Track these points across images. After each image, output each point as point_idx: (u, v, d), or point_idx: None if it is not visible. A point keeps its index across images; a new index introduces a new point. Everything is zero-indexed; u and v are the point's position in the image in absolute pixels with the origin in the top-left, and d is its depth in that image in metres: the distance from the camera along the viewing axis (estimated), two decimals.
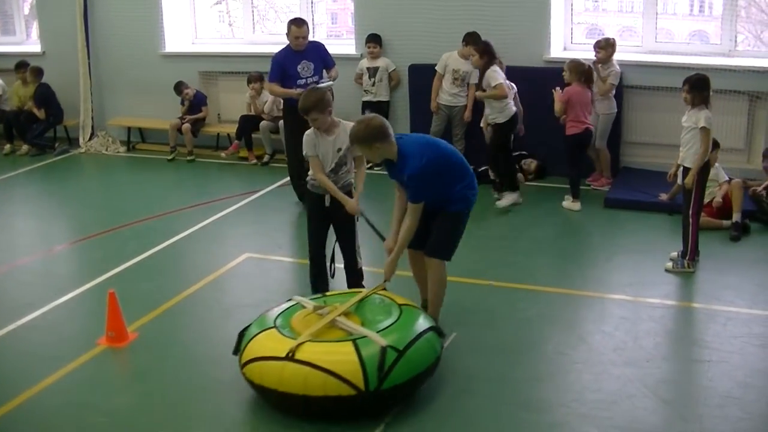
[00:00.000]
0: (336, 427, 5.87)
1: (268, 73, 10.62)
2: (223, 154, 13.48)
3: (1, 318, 7.80)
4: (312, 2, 13.60)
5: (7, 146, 14.46)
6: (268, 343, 6.06)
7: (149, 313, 7.80)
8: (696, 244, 8.28)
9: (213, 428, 6.02)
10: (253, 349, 6.10)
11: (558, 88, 10.28)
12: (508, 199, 10.48)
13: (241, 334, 6.44)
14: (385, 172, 6.86)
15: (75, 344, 7.26)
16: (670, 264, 8.35)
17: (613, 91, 10.74)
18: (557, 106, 10.20)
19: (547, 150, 11.24)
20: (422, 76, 12.00)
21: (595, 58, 10.76)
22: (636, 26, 12.02)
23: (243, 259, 9.08)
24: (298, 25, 10.45)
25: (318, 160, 7.27)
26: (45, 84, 14.49)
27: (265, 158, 13.00)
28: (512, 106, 10.34)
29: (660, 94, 11.07)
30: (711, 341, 6.94)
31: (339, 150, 7.26)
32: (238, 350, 6.37)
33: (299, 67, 10.42)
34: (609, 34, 11.39)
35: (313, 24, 13.43)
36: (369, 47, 12.32)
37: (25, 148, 14.37)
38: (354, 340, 5.89)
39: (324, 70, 10.61)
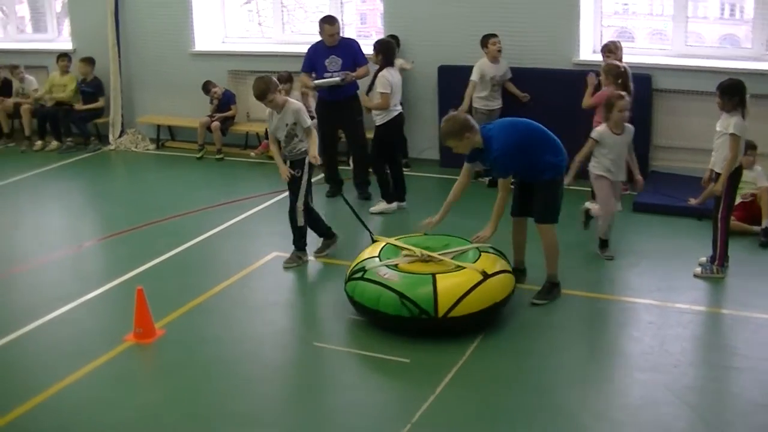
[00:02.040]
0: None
1: None
2: (252, 153, 13.52)
3: (30, 313, 7.87)
4: (341, 2, 13.61)
5: (39, 142, 14.55)
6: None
7: (177, 310, 7.84)
8: (725, 249, 8.23)
9: (239, 426, 6.04)
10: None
11: (592, 73, 10.23)
12: (380, 206, 10.64)
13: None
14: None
15: (102, 340, 7.31)
16: (699, 269, 8.31)
17: None
18: (586, 100, 10.16)
19: (576, 153, 11.17)
20: (451, 78, 11.99)
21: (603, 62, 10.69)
22: (666, 30, 11.96)
23: (271, 257, 9.10)
24: (330, 23, 10.76)
25: (273, 136, 8.95)
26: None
27: None
28: (397, 109, 10.46)
29: (690, 98, 11.01)
30: (740, 348, 6.91)
31: (286, 125, 8.65)
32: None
33: (327, 61, 10.74)
34: (639, 38, 11.33)
35: (342, 24, 13.41)
36: None
37: (55, 144, 14.48)
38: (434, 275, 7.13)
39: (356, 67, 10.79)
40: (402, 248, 7.76)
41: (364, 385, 6.66)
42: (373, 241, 8.12)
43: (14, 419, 6.10)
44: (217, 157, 13.43)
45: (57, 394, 6.43)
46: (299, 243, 8.95)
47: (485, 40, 11.28)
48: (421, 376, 6.58)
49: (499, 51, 11.26)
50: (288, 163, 8.80)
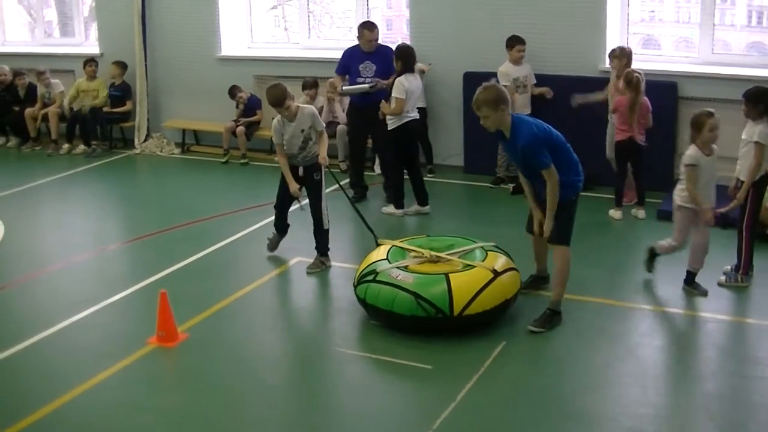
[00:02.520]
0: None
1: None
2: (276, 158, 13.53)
3: (54, 315, 7.92)
4: (368, 8, 13.64)
5: (66, 146, 14.64)
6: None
7: (200, 313, 7.87)
8: (750, 258, 8.19)
9: (261, 431, 6.06)
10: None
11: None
12: (389, 209, 10.75)
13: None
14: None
15: (126, 343, 7.34)
16: (723, 278, 8.27)
17: None
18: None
19: (597, 160, 11.15)
20: (477, 84, 11.88)
21: (609, 68, 10.68)
22: (692, 37, 11.92)
23: (295, 262, 9.12)
24: (369, 29, 10.98)
25: (281, 147, 8.80)
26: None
27: None
28: (409, 116, 10.43)
29: (716, 105, 10.83)
30: (764, 357, 6.86)
31: (302, 131, 8.63)
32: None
33: (361, 66, 10.92)
34: (665, 45, 11.28)
35: None
36: None
37: (81, 147, 14.56)
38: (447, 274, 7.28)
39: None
40: (409, 250, 7.87)
41: (386, 391, 6.66)
42: (378, 245, 8.23)
43: (37, 420, 6.13)
44: (242, 161, 13.47)
45: (80, 396, 6.46)
46: (323, 248, 8.99)
47: (512, 43, 11.33)
48: (442, 383, 6.58)
49: (521, 58, 11.32)
50: (301, 170, 8.83)
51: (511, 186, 11.28)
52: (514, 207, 10.67)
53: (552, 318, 7.45)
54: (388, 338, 7.31)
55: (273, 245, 9.34)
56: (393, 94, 10.28)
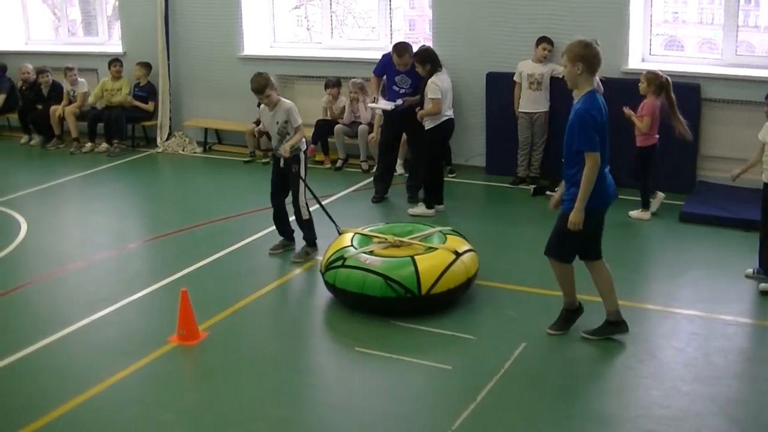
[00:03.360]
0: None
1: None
2: None
3: (75, 312, 7.96)
4: (390, 9, 13.63)
5: (88, 144, 14.71)
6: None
7: (221, 312, 7.89)
8: None
9: (278, 431, 6.07)
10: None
11: (626, 108, 10.13)
12: (418, 209, 10.69)
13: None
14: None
15: (146, 341, 7.37)
16: (750, 270, 8.24)
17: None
18: (644, 122, 10.02)
19: (620, 162, 11.08)
20: (499, 85, 11.99)
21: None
22: (716, 39, 11.87)
23: (314, 263, 9.12)
24: (399, 54, 10.90)
25: (263, 129, 9.55)
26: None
27: (339, 163, 13.08)
28: (447, 114, 10.45)
29: (739, 107, 10.90)
30: None
31: (277, 122, 9.05)
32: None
33: (398, 78, 11.00)
34: (688, 47, 11.22)
35: (390, 30, 13.48)
36: None
37: (104, 146, 14.62)
38: (412, 257, 7.77)
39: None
40: (371, 236, 8.35)
41: (405, 391, 6.64)
42: (340, 234, 8.61)
43: (57, 417, 6.17)
44: (264, 161, 13.48)
45: (99, 394, 6.49)
46: (308, 238, 9.35)
47: (539, 41, 11.49)
48: (462, 384, 6.57)
49: (545, 57, 11.39)
50: (282, 161, 9.11)
51: (532, 187, 11.26)
52: (534, 207, 10.67)
53: (567, 319, 7.39)
54: (407, 339, 7.32)
55: (275, 247, 9.53)
56: (429, 96, 10.26)
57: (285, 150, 8.91)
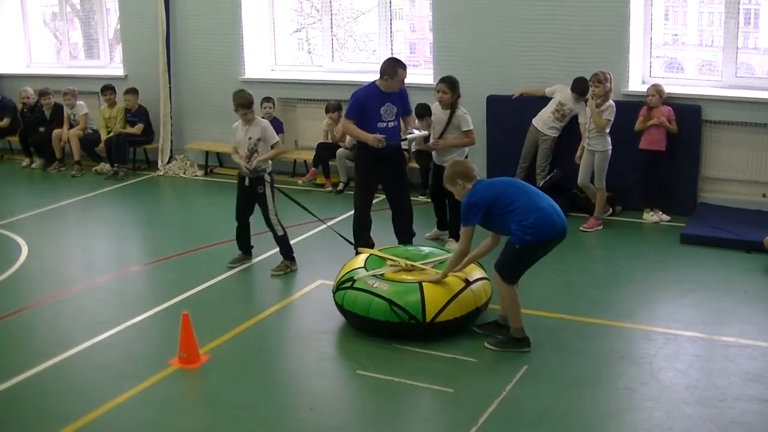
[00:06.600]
0: None
1: (347, 108, 9.65)
2: (300, 181, 13.61)
3: (76, 335, 7.95)
4: (391, 32, 13.67)
5: (105, 166, 14.77)
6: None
7: (222, 336, 7.87)
8: None
9: None
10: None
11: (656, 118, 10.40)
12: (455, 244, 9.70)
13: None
14: None
15: (147, 364, 7.35)
16: None
17: (608, 128, 10.53)
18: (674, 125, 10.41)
19: (625, 183, 11.12)
20: (500, 108, 12.00)
21: (592, 92, 10.63)
22: (716, 60, 11.90)
23: (317, 285, 9.11)
24: (404, 68, 9.34)
25: (235, 145, 9.59)
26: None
27: (340, 186, 13.09)
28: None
29: (740, 129, 10.91)
30: None
31: (250, 138, 9.33)
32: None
33: (383, 110, 9.34)
34: (688, 68, 11.26)
35: (391, 53, 13.50)
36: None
37: (106, 167, 14.65)
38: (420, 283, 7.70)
39: (401, 118, 9.67)
40: (385, 259, 8.28)
41: (407, 415, 6.64)
42: (357, 254, 8.66)
43: None
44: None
45: (101, 416, 6.47)
46: (285, 253, 9.59)
47: (586, 83, 11.02)
48: (463, 407, 6.54)
49: (587, 98, 11.11)
50: (248, 181, 9.49)
51: None
52: None
53: (507, 342, 7.52)
54: (410, 361, 7.30)
55: (233, 261, 9.84)
56: (464, 128, 9.80)
57: (251, 163, 9.28)
